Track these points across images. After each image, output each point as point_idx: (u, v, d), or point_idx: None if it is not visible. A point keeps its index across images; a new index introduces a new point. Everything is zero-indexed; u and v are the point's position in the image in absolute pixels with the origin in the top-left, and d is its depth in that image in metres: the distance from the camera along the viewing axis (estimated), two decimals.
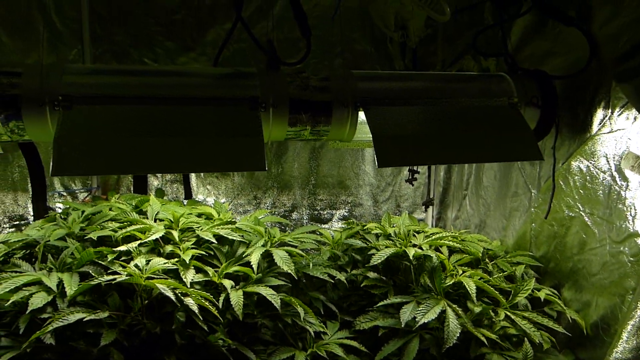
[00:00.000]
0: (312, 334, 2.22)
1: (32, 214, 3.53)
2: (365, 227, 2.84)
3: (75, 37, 3.30)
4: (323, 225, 3.90)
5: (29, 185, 3.44)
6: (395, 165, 3.40)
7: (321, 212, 3.89)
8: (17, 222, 3.52)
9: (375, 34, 3.61)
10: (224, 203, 2.99)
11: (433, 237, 2.65)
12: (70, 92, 2.03)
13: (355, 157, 3.86)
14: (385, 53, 3.65)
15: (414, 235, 2.69)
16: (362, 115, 2.33)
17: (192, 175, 3.63)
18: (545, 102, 2.44)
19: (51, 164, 1.87)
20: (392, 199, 3.94)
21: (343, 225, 3.07)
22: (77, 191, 3.54)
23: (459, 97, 2.37)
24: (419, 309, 2.22)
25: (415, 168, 3.51)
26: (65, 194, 3.53)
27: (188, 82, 2.23)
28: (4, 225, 3.51)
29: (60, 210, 3.54)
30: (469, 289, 2.29)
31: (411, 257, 2.42)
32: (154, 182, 3.67)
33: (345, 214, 3.91)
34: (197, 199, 3.57)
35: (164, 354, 1.93)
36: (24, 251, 2.38)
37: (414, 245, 2.56)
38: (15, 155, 3.43)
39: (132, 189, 3.55)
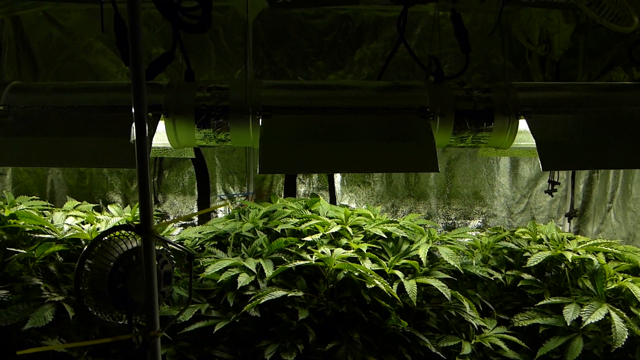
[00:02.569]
0: (475, 326, 2.37)
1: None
2: (513, 232, 2.94)
3: (240, 59, 3.76)
4: None
5: (196, 189, 3.92)
6: (559, 169, 3.46)
7: (455, 221, 4.02)
8: (184, 222, 4.01)
9: (513, 48, 3.73)
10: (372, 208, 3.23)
11: (587, 243, 2.70)
12: (270, 103, 2.38)
13: (491, 169, 3.97)
14: (524, 67, 3.75)
15: (567, 241, 2.75)
16: (520, 125, 2.49)
17: (336, 183, 3.94)
18: None
19: (258, 164, 2.21)
20: (527, 210, 3.99)
21: (488, 232, 3.19)
22: (235, 195, 3.97)
23: (621, 105, 2.45)
24: (583, 310, 2.30)
25: (556, 179, 3.55)
26: (225, 198, 3.97)
27: (362, 94, 2.51)
28: (174, 225, 4.01)
29: (221, 213, 3.99)
30: (634, 294, 2.33)
31: (569, 260, 2.50)
32: (301, 188, 4.01)
33: (479, 224, 4.02)
34: (340, 204, 3.86)
35: (348, 331, 2.18)
36: (214, 241, 2.76)
37: (568, 250, 2.64)
38: (185, 162, 3.93)
39: (282, 194, 3.92)
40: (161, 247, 1.52)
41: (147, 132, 1.32)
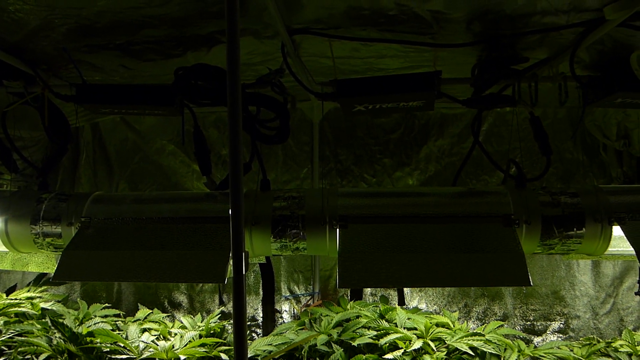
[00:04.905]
0: None
1: (261, 315, 3.91)
2: (610, 344, 2.68)
3: (306, 158, 3.79)
4: (536, 338, 3.74)
5: (261, 289, 3.85)
6: None
7: (534, 323, 3.74)
8: (249, 323, 3.91)
9: (586, 142, 3.61)
10: (453, 312, 3.05)
11: None
12: (347, 212, 2.33)
13: (570, 267, 3.72)
14: (599, 161, 3.61)
15: None
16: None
17: None
18: None
19: (337, 277, 2.13)
20: (614, 312, 3.68)
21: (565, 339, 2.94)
22: (300, 295, 3.86)
23: None
24: None
25: None
26: (290, 297, 3.87)
27: (440, 201, 2.42)
28: None
29: (286, 313, 3.89)
30: None
31: None
32: (368, 288, 3.87)
33: (561, 326, 3.72)
34: (412, 307, 3.68)
35: None
36: (285, 352, 2.64)
37: None
38: (251, 262, 3.88)
39: (348, 293, 3.78)
40: None
41: (244, 269, 1.27)
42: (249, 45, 2.38)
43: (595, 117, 3.34)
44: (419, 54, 2.49)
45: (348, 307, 2.98)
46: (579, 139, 3.61)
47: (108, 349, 2.16)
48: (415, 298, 3.80)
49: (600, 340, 2.78)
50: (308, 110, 3.63)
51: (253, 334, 3.85)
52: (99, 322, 2.34)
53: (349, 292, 3.78)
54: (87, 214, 2.50)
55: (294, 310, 3.83)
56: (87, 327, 2.26)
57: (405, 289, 3.80)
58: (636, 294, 3.39)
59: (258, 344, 2.63)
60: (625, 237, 2.26)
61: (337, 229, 2.32)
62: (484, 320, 3.72)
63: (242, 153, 1.35)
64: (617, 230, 2.32)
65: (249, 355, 2.46)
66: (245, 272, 1.28)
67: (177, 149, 3.85)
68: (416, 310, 3.23)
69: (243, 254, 1.28)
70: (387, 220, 2.34)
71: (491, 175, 3.59)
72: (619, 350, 2.62)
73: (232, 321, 3.61)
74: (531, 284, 2.09)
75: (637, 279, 3.45)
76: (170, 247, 2.28)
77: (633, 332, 2.82)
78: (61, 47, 2.40)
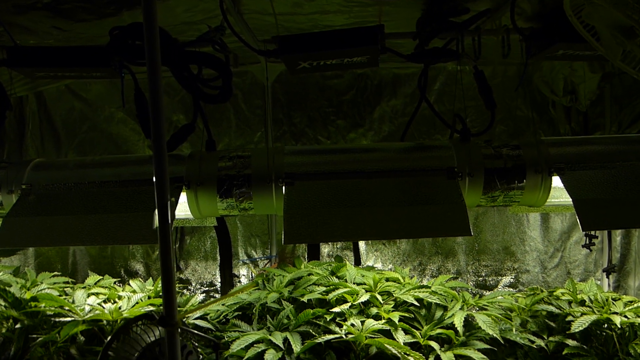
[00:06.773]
0: None
1: (219, 280, 3.92)
2: (552, 293, 2.79)
3: (259, 122, 3.76)
4: (487, 293, 3.86)
5: (218, 254, 3.84)
6: (601, 229, 3.33)
7: (486, 278, 3.86)
8: (207, 288, 3.92)
9: (536, 99, 3.67)
10: (401, 270, 3.11)
11: (635, 305, 2.53)
12: (292, 170, 2.33)
13: (520, 223, 3.83)
14: (548, 117, 3.68)
15: (612, 303, 2.59)
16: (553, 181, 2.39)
17: (361, 243, 3.83)
18: None
19: (283, 233, 2.14)
20: (561, 265, 3.81)
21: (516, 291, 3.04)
22: (258, 259, 3.88)
23: None
24: None
25: (593, 232, 3.39)
26: (248, 262, 3.88)
27: (386, 156, 2.44)
28: (196, 291, 3.91)
29: (244, 277, 3.90)
30: None
31: (618, 325, 2.34)
32: (324, 249, 3.91)
33: (512, 280, 3.84)
34: (366, 265, 3.73)
35: None
36: (238, 312, 2.66)
37: (616, 314, 2.47)
38: (207, 227, 3.87)
39: (306, 256, 3.81)
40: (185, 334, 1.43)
41: (169, 218, 1.25)
42: (186, 2, 2.32)
43: (543, 73, 3.39)
44: (363, 8, 2.47)
45: (302, 267, 3.00)
46: (528, 96, 3.67)
47: (52, 313, 2.13)
48: (371, 258, 3.86)
49: (544, 290, 2.88)
50: (259, 73, 3.58)
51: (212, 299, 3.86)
52: (44, 288, 2.31)
53: (306, 254, 3.82)
54: (28, 180, 2.43)
55: (252, 274, 3.85)
56: (32, 293, 2.22)
57: (361, 249, 3.86)
58: (583, 246, 3.53)
59: (210, 304, 2.64)
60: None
61: (283, 187, 2.32)
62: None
63: (162, 103, 1.32)
64: (559, 182, 2.37)
65: (198, 315, 2.47)
66: (171, 221, 1.27)
67: (127, 117, 3.76)
68: (370, 268, 3.28)
69: (168, 202, 1.27)
70: (333, 177, 2.35)
71: (443, 134, 3.62)
72: (560, 298, 2.72)
73: (185, 285, 3.58)
74: (471, 234, 2.14)
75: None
76: (114, 210, 2.24)
77: (575, 282, 2.92)
78: None
